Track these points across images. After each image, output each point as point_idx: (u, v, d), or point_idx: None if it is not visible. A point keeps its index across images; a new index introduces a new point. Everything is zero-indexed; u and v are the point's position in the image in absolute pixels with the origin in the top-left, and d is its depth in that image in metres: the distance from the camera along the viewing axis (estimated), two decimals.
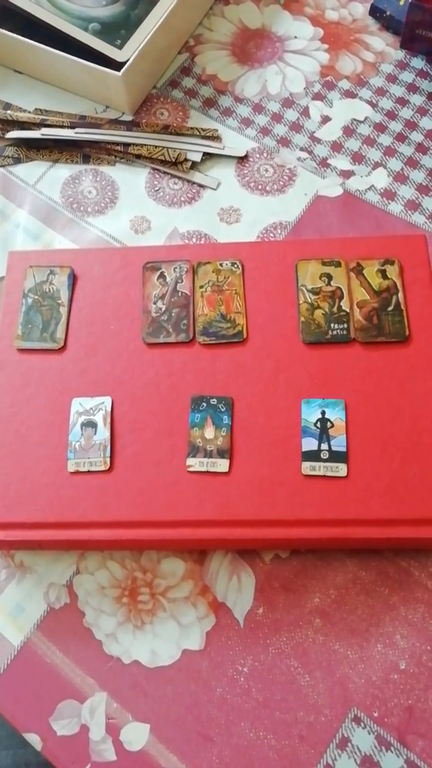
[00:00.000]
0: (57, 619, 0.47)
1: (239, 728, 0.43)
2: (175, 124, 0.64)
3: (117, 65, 0.61)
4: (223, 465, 0.46)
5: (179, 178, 0.61)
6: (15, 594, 0.48)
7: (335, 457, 0.46)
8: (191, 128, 0.63)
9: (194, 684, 0.45)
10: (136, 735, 0.44)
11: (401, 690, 0.44)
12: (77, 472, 0.47)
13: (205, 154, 0.62)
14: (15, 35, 0.63)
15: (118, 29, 0.63)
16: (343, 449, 0.46)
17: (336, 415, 0.47)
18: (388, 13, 0.65)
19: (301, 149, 0.62)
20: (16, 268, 0.54)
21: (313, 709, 0.44)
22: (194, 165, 0.62)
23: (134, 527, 0.46)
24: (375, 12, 0.67)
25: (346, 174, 0.60)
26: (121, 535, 0.46)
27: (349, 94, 0.64)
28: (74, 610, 0.47)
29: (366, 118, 0.63)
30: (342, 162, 0.61)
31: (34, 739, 0.44)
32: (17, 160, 0.63)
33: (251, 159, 0.62)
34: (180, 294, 0.52)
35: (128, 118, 0.64)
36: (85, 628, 0.46)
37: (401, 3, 0.65)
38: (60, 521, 0.46)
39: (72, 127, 0.63)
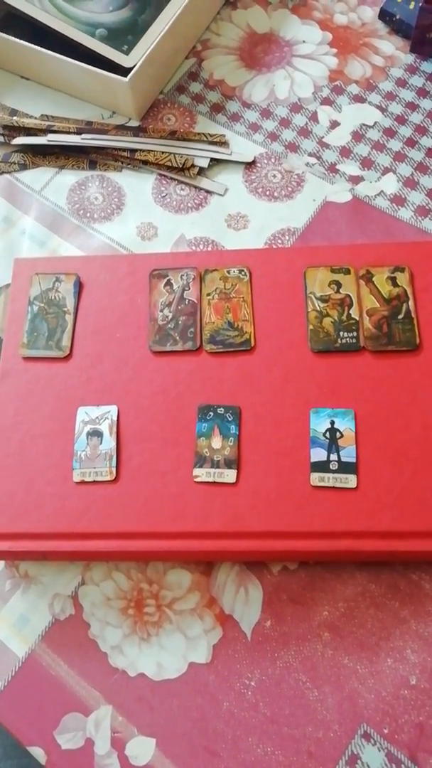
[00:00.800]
0: (62, 631, 0.46)
1: (246, 743, 0.43)
2: (182, 130, 0.63)
3: (124, 71, 0.61)
4: (230, 475, 0.46)
5: (186, 184, 0.61)
6: (20, 605, 0.47)
7: (344, 468, 0.45)
8: (198, 134, 0.62)
9: (201, 698, 0.44)
10: (142, 749, 0.43)
11: (412, 706, 0.43)
12: (83, 482, 0.46)
13: (212, 159, 0.61)
14: (21, 41, 0.62)
15: (125, 35, 0.63)
16: (353, 460, 0.45)
17: (345, 425, 0.46)
18: (397, 16, 0.65)
19: (310, 155, 0.61)
20: (21, 276, 0.53)
21: (322, 725, 0.43)
22: (201, 171, 0.61)
23: (140, 538, 0.45)
24: (384, 16, 0.66)
25: (355, 179, 0.60)
26: (126, 546, 0.45)
27: (358, 99, 0.63)
28: (79, 622, 0.46)
29: (375, 123, 0.62)
30: (351, 167, 0.60)
31: (38, 753, 0.43)
32: (23, 167, 0.63)
33: (259, 164, 0.61)
34: (187, 302, 0.51)
35: (135, 123, 0.64)
36: (90, 639, 0.46)
37: (411, 7, 0.64)
38: (65, 532, 0.45)
39: (78, 133, 0.63)
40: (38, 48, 0.62)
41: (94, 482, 0.46)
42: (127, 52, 0.62)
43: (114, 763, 0.43)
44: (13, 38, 0.63)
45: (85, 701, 0.44)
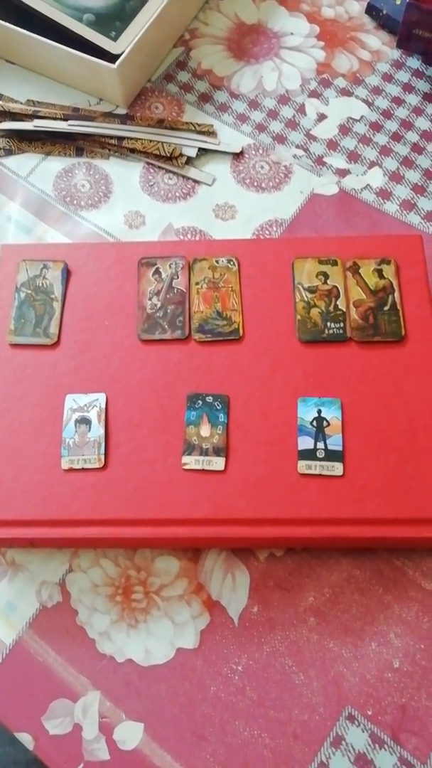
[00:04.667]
0: (49, 618, 0.46)
1: (233, 727, 0.43)
2: (170, 119, 0.63)
3: (111, 57, 0.60)
4: (218, 463, 0.46)
5: (174, 173, 0.61)
6: (7, 592, 0.47)
7: (331, 456, 0.46)
8: (186, 123, 0.62)
9: (188, 683, 0.44)
10: (130, 734, 0.43)
11: (395, 688, 0.44)
12: (71, 470, 0.46)
13: (200, 149, 0.61)
14: (7, 24, 0.61)
15: (112, 20, 0.62)
16: (339, 448, 0.46)
17: (332, 414, 0.47)
18: (384, 11, 0.65)
19: (297, 146, 0.61)
20: (8, 262, 0.53)
21: (308, 708, 0.44)
22: (189, 160, 0.61)
23: (129, 525, 0.45)
24: (371, 10, 0.67)
25: (342, 172, 0.60)
26: (115, 533, 0.45)
27: (345, 93, 0.64)
28: (67, 609, 0.46)
29: (362, 117, 0.63)
30: (338, 160, 0.61)
31: (26, 739, 0.43)
32: (9, 152, 0.62)
33: (247, 155, 0.61)
34: (175, 290, 0.51)
35: (122, 111, 0.64)
36: (78, 626, 0.46)
37: (398, 2, 0.65)
38: (53, 519, 0.45)
39: (65, 119, 0.62)
40: (24, 31, 0.61)
41: (83, 469, 0.46)
42: (115, 39, 0.62)
43: (102, 748, 0.43)
44: None
45: (73, 687, 0.45)
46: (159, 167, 0.61)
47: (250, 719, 0.43)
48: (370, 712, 0.43)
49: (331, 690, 0.44)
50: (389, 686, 0.44)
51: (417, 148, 0.61)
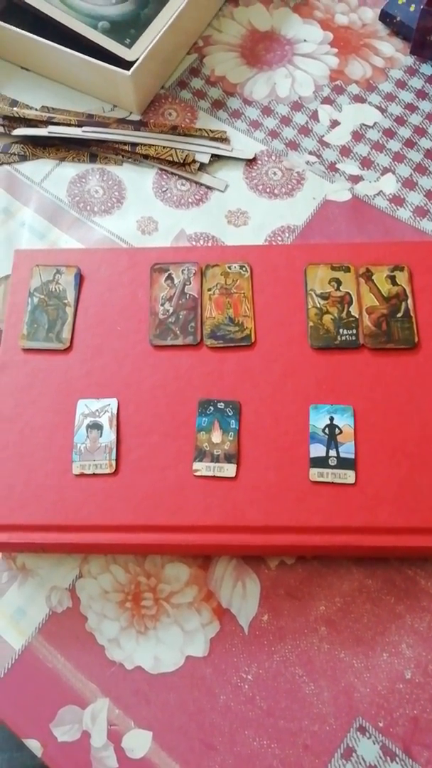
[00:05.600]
0: (59, 624, 0.46)
1: (243, 736, 0.43)
2: (183, 125, 0.63)
3: (125, 64, 0.61)
4: (230, 470, 0.46)
5: (187, 179, 0.61)
6: (16, 597, 0.47)
7: (343, 463, 0.45)
8: (199, 129, 0.63)
9: (198, 691, 0.44)
10: (139, 742, 0.43)
11: (407, 700, 0.43)
12: (82, 475, 0.46)
13: (213, 155, 0.61)
14: (22, 31, 0.62)
15: (127, 28, 0.63)
16: (352, 456, 0.46)
17: (344, 422, 0.47)
18: (398, 18, 0.65)
19: (310, 153, 0.61)
20: (22, 267, 0.53)
21: (318, 718, 0.43)
22: (202, 166, 0.61)
23: (139, 531, 0.45)
24: (385, 17, 0.67)
25: (355, 179, 0.60)
26: (125, 539, 0.45)
27: (359, 99, 0.64)
28: (76, 615, 0.46)
29: (375, 124, 0.62)
30: (351, 167, 0.61)
31: (34, 745, 0.43)
32: (23, 158, 0.63)
33: (259, 162, 0.61)
34: (188, 296, 0.51)
35: (136, 117, 0.64)
36: (87, 632, 0.46)
37: (412, 9, 0.65)
38: (64, 524, 0.45)
39: (79, 125, 0.62)
40: (39, 39, 0.62)
41: (94, 475, 0.46)
42: (129, 46, 0.62)
43: (110, 756, 0.43)
44: (13, 28, 0.62)
45: (82, 694, 0.44)
46: (172, 173, 0.61)
47: (260, 729, 0.43)
48: (381, 724, 0.43)
49: (342, 701, 0.44)
50: (401, 697, 0.43)
51: (430, 155, 0.60)
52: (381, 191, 0.59)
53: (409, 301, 0.50)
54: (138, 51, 0.61)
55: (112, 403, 0.48)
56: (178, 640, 0.45)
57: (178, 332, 0.50)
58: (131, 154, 0.62)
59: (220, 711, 0.44)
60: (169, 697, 0.44)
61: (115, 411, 0.48)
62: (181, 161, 0.60)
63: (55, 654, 0.45)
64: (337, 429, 0.46)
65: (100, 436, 0.47)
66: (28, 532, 0.45)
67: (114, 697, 0.44)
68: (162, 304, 0.51)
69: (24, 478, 0.46)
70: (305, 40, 0.67)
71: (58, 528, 0.45)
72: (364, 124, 0.63)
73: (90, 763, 0.43)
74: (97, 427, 0.47)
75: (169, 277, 0.52)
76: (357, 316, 0.50)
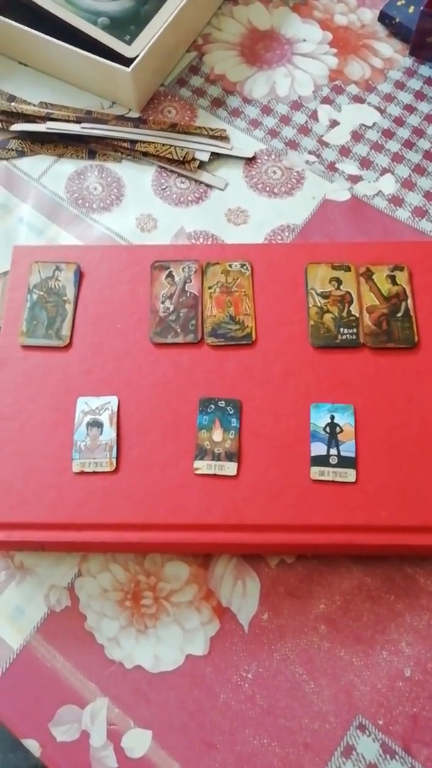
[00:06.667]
0: (58, 623, 0.46)
1: (243, 735, 0.43)
2: (182, 123, 0.63)
3: (125, 61, 0.60)
4: (231, 468, 0.46)
5: (186, 177, 0.61)
6: (15, 596, 0.47)
7: (344, 462, 0.46)
8: (199, 127, 0.62)
9: (198, 690, 0.44)
10: (138, 741, 0.43)
11: (406, 698, 0.43)
12: (82, 473, 0.46)
13: (212, 154, 0.61)
14: (21, 26, 0.62)
15: (127, 24, 0.62)
16: (352, 455, 0.46)
17: (345, 420, 0.47)
18: (397, 20, 0.66)
19: (309, 152, 0.61)
20: (21, 263, 0.53)
21: (318, 717, 0.43)
22: (202, 164, 0.61)
23: (139, 530, 0.45)
24: (384, 18, 0.67)
25: (354, 179, 0.60)
26: (125, 537, 0.45)
27: (358, 99, 0.64)
28: (75, 614, 0.46)
29: (374, 124, 0.63)
30: (350, 167, 0.61)
31: (33, 745, 0.43)
32: (21, 153, 0.62)
33: (259, 160, 0.61)
34: (188, 294, 0.51)
35: (135, 115, 0.64)
36: (86, 631, 0.46)
37: (410, 11, 0.65)
38: (63, 522, 0.45)
39: (78, 121, 0.62)
40: (38, 34, 0.61)
41: (94, 473, 0.46)
42: (129, 42, 0.62)
43: (110, 756, 0.43)
44: (12, 23, 0.62)
45: (81, 693, 0.44)
46: (171, 171, 0.61)
47: (260, 728, 0.43)
48: (381, 722, 0.43)
49: (341, 699, 0.44)
50: (400, 695, 0.44)
51: (429, 156, 0.61)
52: (380, 191, 0.59)
53: (409, 300, 0.50)
54: (138, 48, 0.61)
55: (113, 401, 0.48)
56: (177, 639, 0.45)
57: (178, 330, 0.50)
58: (130, 151, 0.61)
59: (220, 710, 0.43)
60: (169, 696, 0.44)
61: (115, 409, 0.48)
62: (181, 159, 0.60)
63: (54, 653, 0.45)
64: (337, 427, 0.47)
65: (101, 433, 0.47)
66: (28, 531, 0.45)
67: (113, 696, 0.44)
68: (162, 302, 0.51)
69: (23, 476, 0.46)
70: (305, 40, 0.67)
71: (58, 526, 0.45)
72: (363, 125, 0.63)
73: (89, 763, 0.42)
74: (97, 424, 0.47)
75: (170, 275, 0.52)
76: (357, 316, 0.50)
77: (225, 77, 0.66)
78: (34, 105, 0.64)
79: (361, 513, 0.44)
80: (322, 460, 0.46)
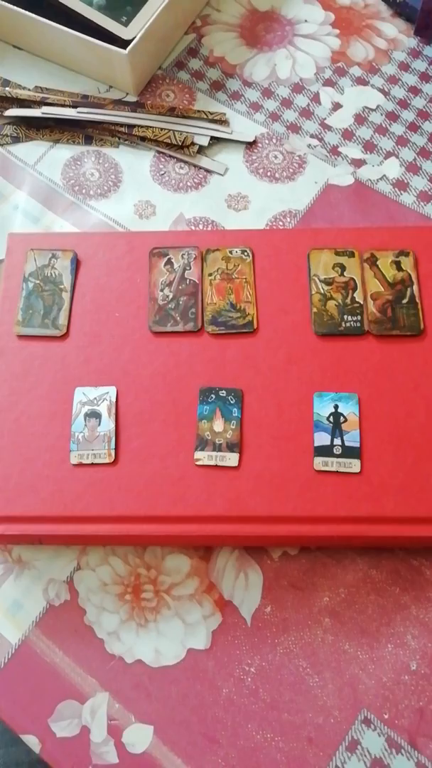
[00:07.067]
0: (57, 617, 0.45)
1: (246, 730, 0.42)
2: (181, 107, 0.61)
3: (121, 43, 0.59)
4: (232, 459, 0.45)
5: (185, 162, 0.59)
6: (13, 590, 0.46)
7: (348, 452, 0.45)
8: (198, 111, 0.61)
9: (199, 684, 0.43)
10: (139, 737, 0.42)
11: (412, 691, 0.43)
12: (80, 464, 0.45)
13: (212, 138, 0.60)
14: (15, 8, 0.60)
15: (123, 5, 0.61)
16: (357, 445, 0.45)
17: (349, 410, 0.46)
18: None
19: (312, 136, 0.60)
20: (16, 251, 0.52)
21: (322, 711, 0.42)
22: (201, 149, 0.60)
23: (139, 522, 0.44)
24: None
25: (358, 163, 0.59)
26: (125, 530, 0.44)
27: (361, 82, 0.62)
28: (75, 608, 0.45)
29: (378, 107, 0.61)
30: (353, 150, 0.59)
31: (32, 741, 0.42)
32: (16, 139, 0.61)
33: (260, 145, 0.60)
34: (188, 281, 0.50)
35: (132, 98, 0.62)
36: (86, 626, 0.45)
37: None
38: (62, 515, 0.44)
39: (74, 106, 0.61)
40: (33, 15, 0.60)
41: (92, 464, 0.45)
42: (126, 24, 0.60)
43: (110, 751, 0.42)
44: (6, 4, 0.60)
45: (81, 688, 0.43)
46: (170, 156, 0.60)
47: (263, 722, 0.42)
48: (386, 716, 0.42)
49: (346, 693, 0.43)
50: (406, 689, 0.43)
51: None
52: (384, 175, 0.58)
53: (415, 287, 0.49)
54: (135, 29, 0.60)
55: (111, 391, 0.47)
56: (179, 633, 0.44)
57: (178, 318, 0.49)
58: (128, 136, 0.60)
59: (222, 704, 0.43)
60: (171, 690, 0.43)
61: (113, 399, 0.46)
62: (180, 144, 0.59)
63: (53, 648, 0.44)
64: (341, 417, 0.45)
65: (99, 424, 0.46)
66: (25, 524, 0.44)
67: (114, 691, 0.43)
68: (161, 290, 0.50)
69: (20, 469, 0.45)
70: (306, 21, 0.65)
71: (56, 519, 0.44)
72: (366, 107, 0.61)
73: (90, 759, 0.42)
74: (95, 415, 0.46)
75: (169, 262, 0.51)
76: (361, 302, 0.49)
77: (224, 59, 0.64)
78: (29, 89, 0.63)
79: (365, 504, 0.44)
80: (325, 451, 0.45)
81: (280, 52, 0.64)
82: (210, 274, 0.50)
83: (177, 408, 0.46)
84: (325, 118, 0.61)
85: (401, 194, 0.57)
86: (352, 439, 0.45)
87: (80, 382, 0.47)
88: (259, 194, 0.58)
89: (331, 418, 0.45)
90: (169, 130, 0.59)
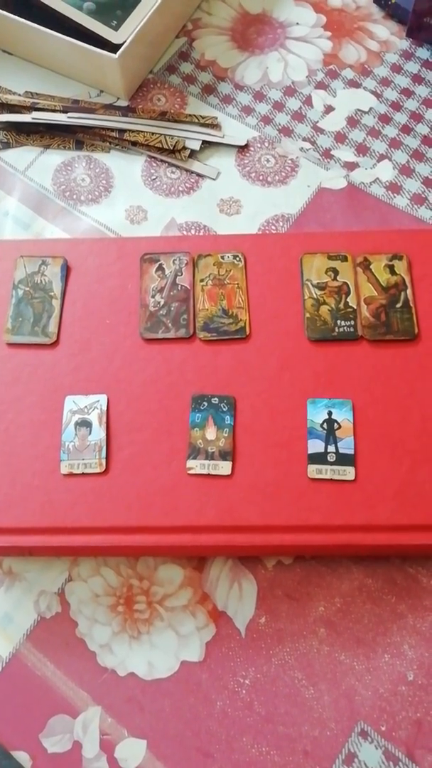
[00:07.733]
0: (48, 629, 0.44)
1: (241, 743, 0.41)
2: (172, 111, 0.61)
3: (112, 47, 0.58)
4: (225, 467, 0.44)
5: (177, 166, 0.59)
6: (3, 603, 0.45)
7: (342, 459, 0.44)
8: (189, 115, 0.60)
9: (193, 697, 0.43)
10: (132, 751, 0.41)
11: (409, 702, 0.42)
12: (71, 474, 0.44)
13: (204, 142, 0.59)
14: (4, 13, 0.60)
15: (113, 9, 0.60)
16: (351, 452, 0.44)
17: (343, 416, 0.45)
18: (393, 0, 0.63)
19: (304, 139, 0.60)
20: (5, 258, 0.51)
21: (318, 723, 0.42)
22: (193, 153, 0.59)
23: (131, 533, 0.43)
24: (379, 0, 0.65)
25: (350, 166, 0.58)
26: (117, 541, 0.43)
27: (353, 84, 0.62)
28: (66, 620, 0.44)
29: (370, 109, 0.61)
30: (346, 153, 0.59)
31: (23, 758, 0.42)
32: (6, 145, 0.60)
33: (252, 148, 0.59)
34: (179, 287, 0.50)
35: (123, 103, 0.62)
36: (77, 638, 0.44)
37: None
38: (52, 526, 0.43)
39: (64, 111, 0.60)
40: (22, 20, 0.59)
41: (83, 474, 0.44)
42: (116, 28, 0.60)
43: (103, 767, 0.41)
44: None
45: (73, 702, 0.43)
46: (161, 161, 0.59)
47: (258, 735, 0.42)
48: (383, 728, 0.41)
49: (342, 704, 0.42)
50: (403, 700, 0.42)
51: (428, 141, 0.59)
52: (377, 178, 0.58)
53: (409, 291, 0.49)
54: (125, 33, 0.59)
55: (102, 400, 0.46)
56: (172, 645, 0.44)
57: (169, 325, 0.48)
58: (119, 140, 0.60)
59: (217, 717, 0.42)
60: (164, 703, 0.42)
61: (104, 408, 0.46)
62: (171, 148, 0.58)
63: (44, 661, 0.44)
64: (335, 424, 0.45)
65: (89, 433, 0.45)
66: (15, 536, 0.43)
67: (106, 705, 0.42)
68: (152, 296, 0.49)
69: (9, 479, 0.44)
70: (298, 23, 0.65)
71: (46, 530, 0.43)
72: (359, 110, 0.61)
73: None
74: (85, 424, 0.45)
75: (160, 268, 0.50)
76: (355, 307, 0.48)
77: (216, 63, 0.63)
78: (19, 94, 0.62)
79: (360, 512, 0.43)
80: (319, 458, 0.44)
81: (272, 55, 0.64)
82: (202, 280, 0.50)
83: (169, 416, 0.46)
84: (317, 121, 0.60)
85: (394, 197, 0.57)
86: (346, 446, 0.44)
87: (70, 391, 0.47)
88: (251, 198, 0.57)
89: (325, 425, 0.45)
90: (161, 134, 0.59)
